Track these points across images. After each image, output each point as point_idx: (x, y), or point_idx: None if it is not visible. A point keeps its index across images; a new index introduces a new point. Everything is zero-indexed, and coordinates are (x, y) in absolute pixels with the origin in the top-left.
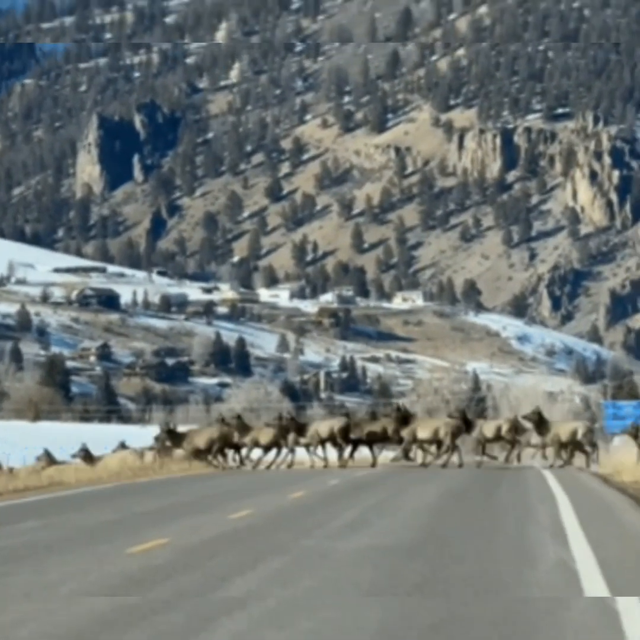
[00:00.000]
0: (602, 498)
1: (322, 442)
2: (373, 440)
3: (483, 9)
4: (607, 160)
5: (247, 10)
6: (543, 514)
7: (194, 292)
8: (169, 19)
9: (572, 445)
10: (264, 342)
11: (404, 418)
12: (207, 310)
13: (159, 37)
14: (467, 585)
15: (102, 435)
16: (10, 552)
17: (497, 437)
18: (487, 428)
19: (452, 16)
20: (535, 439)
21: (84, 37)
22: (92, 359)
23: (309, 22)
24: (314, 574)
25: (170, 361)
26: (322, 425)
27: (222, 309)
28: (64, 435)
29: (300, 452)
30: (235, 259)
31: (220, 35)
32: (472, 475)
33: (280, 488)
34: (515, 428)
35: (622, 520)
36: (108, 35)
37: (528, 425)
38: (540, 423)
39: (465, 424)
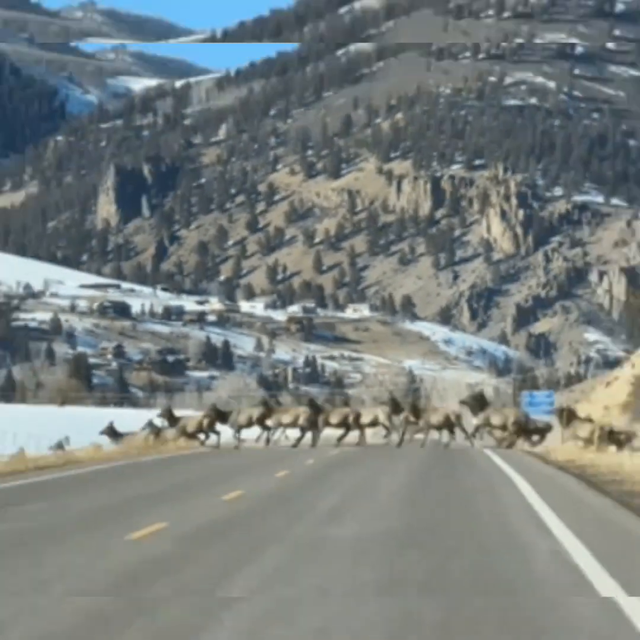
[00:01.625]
0: (551, 477)
1: (241, 427)
2: (287, 425)
3: (399, 115)
4: (514, 201)
5: (240, 116)
6: (509, 496)
7: (189, 304)
8: (186, 121)
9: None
10: (244, 344)
11: (316, 408)
12: (200, 318)
13: (179, 135)
14: (471, 583)
15: (116, 417)
16: (10, 538)
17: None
18: (434, 417)
19: (378, 120)
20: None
21: (129, 135)
22: (109, 356)
23: (281, 123)
24: (313, 570)
25: (170, 358)
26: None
27: (212, 317)
28: (87, 417)
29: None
30: (222, 278)
31: (221, 132)
32: (424, 456)
33: (265, 468)
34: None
35: (585, 502)
36: (145, 133)
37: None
38: (481, 405)
39: (395, 409)
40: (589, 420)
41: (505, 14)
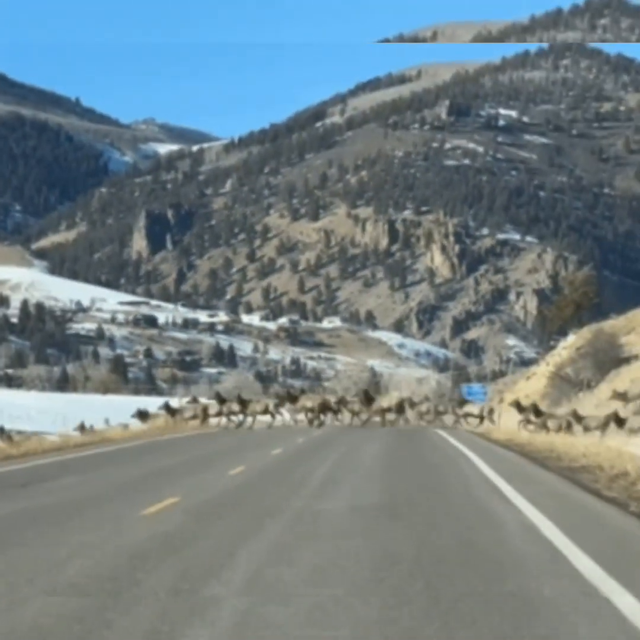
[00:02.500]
0: (495, 452)
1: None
2: (261, 412)
3: (364, 172)
4: (451, 238)
5: (242, 173)
6: (469, 469)
7: (202, 316)
8: (201, 177)
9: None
10: (244, 347)
11: (292, 397)
12: (211, 328)
13: (195, 187)
14: (458, 558)
15: (145, 403)
16: (30, 515)
17: (388, 409)
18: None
19: (347, 176)
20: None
21: (156, 188)
22: (141, 357)
23: (273, 178)
24: (311, 545)
25: (188, 358)
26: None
27: (220, 327)
28: (124, 403)
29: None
30: (228, 297)
31: (227, 185)
32: (385, 434)
33: (263, 446)
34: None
35: (533, 476)
36: (169, 186)
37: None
38: (368, 399)
39: (368, 400)
40: (524, 408)
41: (426, 127)
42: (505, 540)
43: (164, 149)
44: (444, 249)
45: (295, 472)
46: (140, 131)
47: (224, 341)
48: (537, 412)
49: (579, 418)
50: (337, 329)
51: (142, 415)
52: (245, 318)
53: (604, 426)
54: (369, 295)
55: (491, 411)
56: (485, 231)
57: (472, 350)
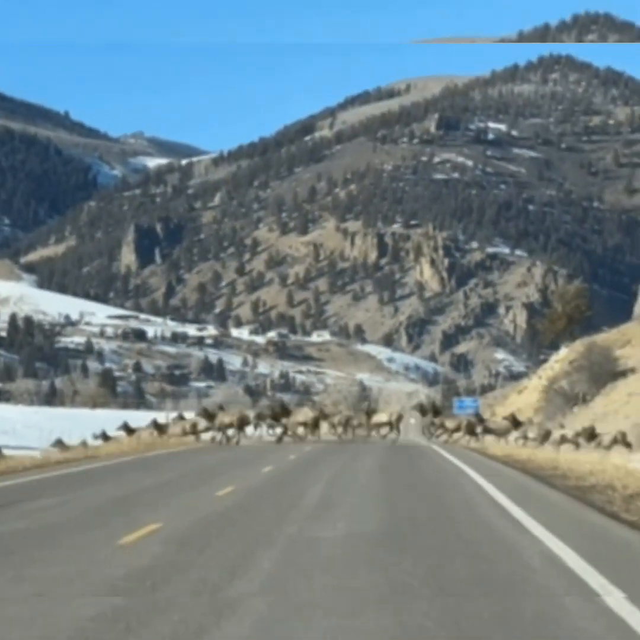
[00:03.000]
0: (495, 469)
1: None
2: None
3: (353, 186)
4: (440, 252)
5: (231, 186)
6: (473, 491)
7: (191, 330)
8: (190, 191)
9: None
10: (234, 361)
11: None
12: (200, 342)
13: (184, 201)
14: (477, 595)
15: (135, 417)
16: (6, 540)
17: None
18: (377, 417)
19: (336, 189)
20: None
21: (145, 201)
22: (130, 370)
23: (262, 192)
24: (309, 581)
25: (177, 372)
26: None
27: (209, 341)
28: (112, 418)
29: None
30: (217, 310)
31: (216, 199)
32: (382, 449)
33: (253, 463)
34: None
35: (540, 496)
36: (158, 199)
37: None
38: (283, 412)
39: (284, 413)
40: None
41: (415, 141)
42: (527, 575)
43: (153, 162)
44: (433, 263)
45: (285, 493)
46: (129, 145)
47: (213, 355)
48: (436, 413)
49: (593, 435)
50: (326, 343)
51: (128, 429)
52: (235, 332)
53: (612, 444)
54: (358, 309)
55: (400, 418)
56: (474, 245)
57: (462, 364)
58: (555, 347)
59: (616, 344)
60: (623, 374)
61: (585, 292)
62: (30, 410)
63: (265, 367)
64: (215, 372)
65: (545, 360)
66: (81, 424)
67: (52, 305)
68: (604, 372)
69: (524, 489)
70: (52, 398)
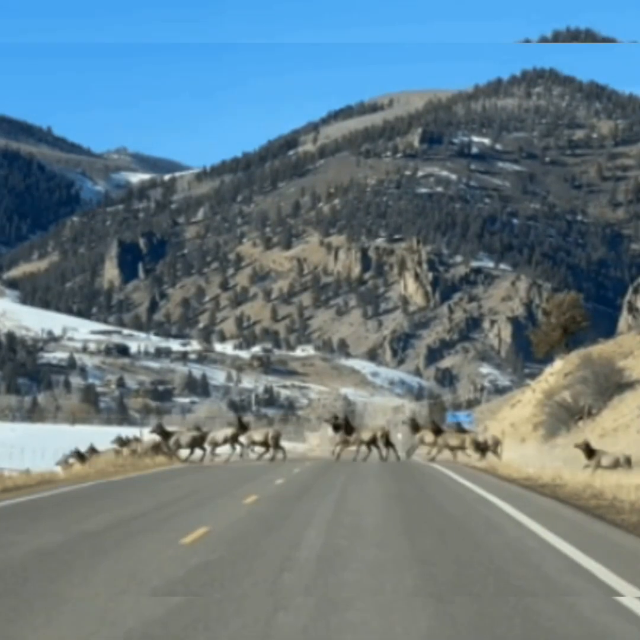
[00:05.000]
0: (523, 496)
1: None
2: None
3: (336, 200)
4: (424, 266)
5: (214, 201)
6: (517, 533)
7: (175, 345)
8: (173, 206)
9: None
10: (217, 376)
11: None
12: (183, 357)
13: (167, 216)
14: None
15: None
16: None
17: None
18: (365, 434)
19: (320, 204)
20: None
21: (128, 217)
22: (113, 386)
23: (246, 207)
24: None
25: (160, 388)
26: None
27: (193, 356)
28: (91, 434)
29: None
30: (201, 325)
31: (200, 214)
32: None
33: (232, 492)
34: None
35: (616, 543)
36: (141, 215)
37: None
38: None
39: (347, 429)
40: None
41: (398, 155)
42: None
43: (136, 178)
44: (417, 277)
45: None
46: (112, 160)
47: (197, 370)
48: (348, 428)
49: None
50: (311, 358)
51: (80, 456)
52: (218, 347)
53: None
54: (342, 323)
55: (385, 434)
56: (458, 259)
57: (446, 378)
58: (547, 360)
59: (617, 355)
60: (630, 385)
61: (580, 302)
62: (7, 426)
63: (250, 382)
64: (199, 387)
65: (531, 374)
66: (57, 441)
67: (34, 320)
68: (610, 384)
69: (580, 529)
70: (31, 414)
